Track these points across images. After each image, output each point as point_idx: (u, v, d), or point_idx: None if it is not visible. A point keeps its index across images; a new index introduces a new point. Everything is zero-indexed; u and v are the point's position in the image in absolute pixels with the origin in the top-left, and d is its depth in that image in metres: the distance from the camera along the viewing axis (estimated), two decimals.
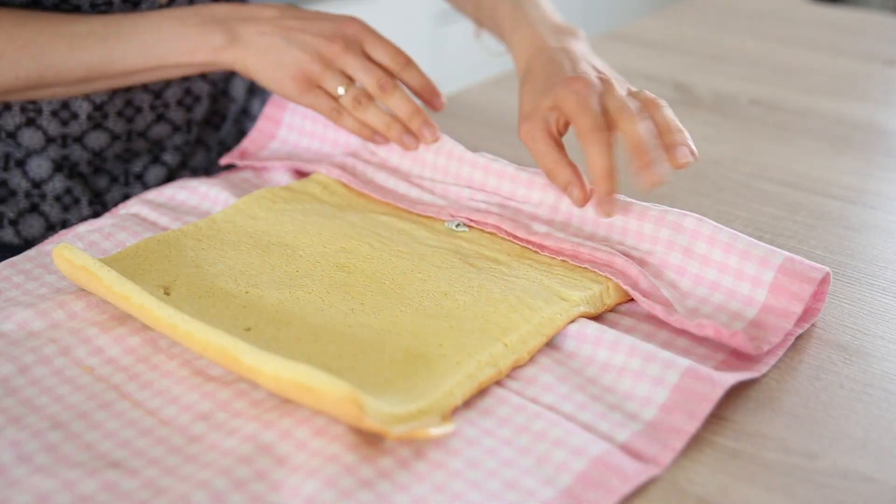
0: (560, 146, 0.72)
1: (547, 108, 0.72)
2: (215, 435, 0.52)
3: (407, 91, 0.79)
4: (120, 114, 0.86)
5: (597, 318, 0.63)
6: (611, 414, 0.55)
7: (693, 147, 0.67)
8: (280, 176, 0.83)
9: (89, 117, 0.84)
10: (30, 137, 0.84)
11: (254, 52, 0.77)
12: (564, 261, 0.68)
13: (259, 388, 0.56)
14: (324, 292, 0.64)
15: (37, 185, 0.86)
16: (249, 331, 0.59)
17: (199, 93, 0.91)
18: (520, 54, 0.80)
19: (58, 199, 0.87)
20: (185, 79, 0.88)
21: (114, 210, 0.77)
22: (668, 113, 0.68)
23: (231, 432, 0.52)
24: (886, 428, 0.55)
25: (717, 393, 0.55)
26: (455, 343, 0.58)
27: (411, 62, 0.79)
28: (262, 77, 0.78)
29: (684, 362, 0.57)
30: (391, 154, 0.81)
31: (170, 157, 0.92)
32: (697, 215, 0.66)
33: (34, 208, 0.87)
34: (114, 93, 0.84)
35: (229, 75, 0.95)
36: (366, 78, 0.77)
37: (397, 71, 0.78)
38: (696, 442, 0.54)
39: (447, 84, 1.19)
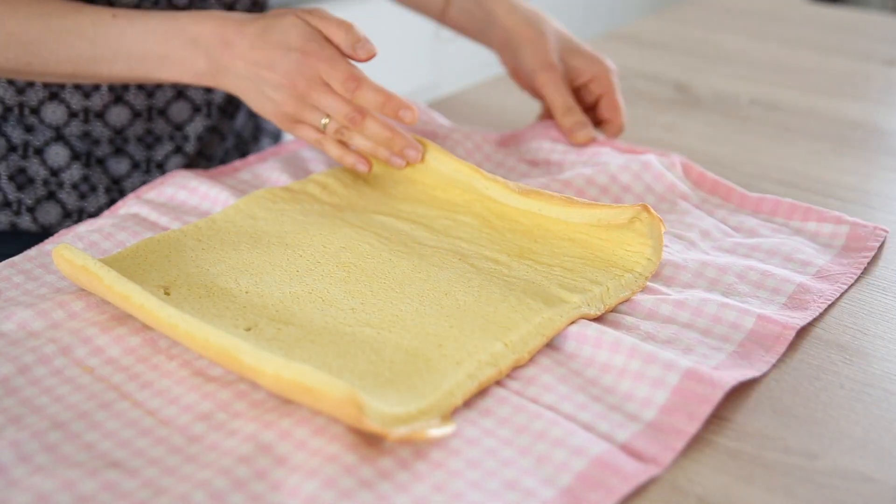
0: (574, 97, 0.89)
1: (578, 70, 0.90)
2: (215, 435, 0.52)
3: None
4: (140, 87, 0.88)
5: (597, 317, 0.63)
6: (611, 414, 0.55)
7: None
8: (279, 176, 0.83)
9: (110, 88, 0.87)
10: (53, 112, 0.86)
11: (234, 88, 0.78)
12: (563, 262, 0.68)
13: (259, 388, 0.56)
14: (324, 292, 0.64)
15: (55, 172, 0.89)
16: (250, 330, 0.59)
17: None
18: (506, 16, 0.92)
19: (75, 186, 0.90)
20: None
21: (113, 210, 0.77)
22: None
23: (231, 433, 0.52)
24: (886, 428, 0.55)
25: (718, 395, 0.55)
26: (455, 343, 0.58)
27: (362, 85, 0.76)
28: (251, 108, 0.81)
29: (684, 364, 0.57)
30: None
31: (190, 147, 0.94)
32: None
33: (51, 196, 0.89)
34: None
35: None
36: (336, 116, 0.77)
37: (352, 96, 0.77)
38: (696, 442, 0.54)
39: (447, 84, 1.19)
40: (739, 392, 0.57)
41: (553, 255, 0.69)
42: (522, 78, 0.93)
